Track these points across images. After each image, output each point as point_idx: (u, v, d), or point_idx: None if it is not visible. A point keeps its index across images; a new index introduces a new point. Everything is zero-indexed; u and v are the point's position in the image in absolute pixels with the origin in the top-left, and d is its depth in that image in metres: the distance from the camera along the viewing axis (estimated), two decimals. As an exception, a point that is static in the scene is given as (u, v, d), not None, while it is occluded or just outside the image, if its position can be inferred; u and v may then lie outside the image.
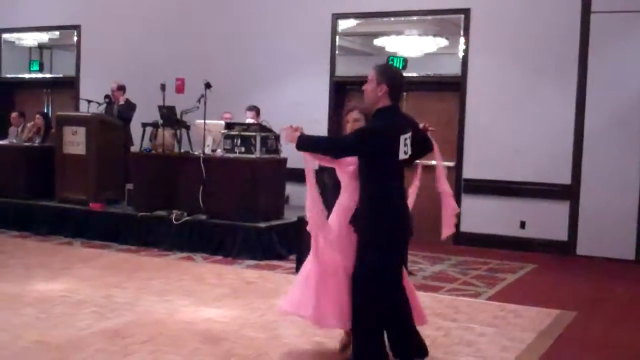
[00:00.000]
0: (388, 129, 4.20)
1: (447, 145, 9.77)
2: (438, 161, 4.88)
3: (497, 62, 9.44)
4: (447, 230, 4.96)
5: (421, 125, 4.59)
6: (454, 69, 9.70)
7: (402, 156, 4.22)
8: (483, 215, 9.46)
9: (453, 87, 9.72)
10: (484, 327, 5.59)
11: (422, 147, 4.56)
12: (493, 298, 6.69)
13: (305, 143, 4.33)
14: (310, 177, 4.43)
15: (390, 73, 4.29)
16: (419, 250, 8.74)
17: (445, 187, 4.89)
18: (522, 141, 9.25)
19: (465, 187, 9.58)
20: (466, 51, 9.57)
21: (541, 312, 6.12)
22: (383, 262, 4.25)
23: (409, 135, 4.26)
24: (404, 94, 10.10)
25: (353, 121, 4.57)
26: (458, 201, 9.52)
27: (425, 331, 5.36)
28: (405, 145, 4.22)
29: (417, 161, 4.73)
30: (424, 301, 6.28)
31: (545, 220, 9.16)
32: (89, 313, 5.68)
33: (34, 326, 5.27)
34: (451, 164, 9.72)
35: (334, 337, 5.11)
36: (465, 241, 9.42)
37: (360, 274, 4.31)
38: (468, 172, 9.57)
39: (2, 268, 7.34)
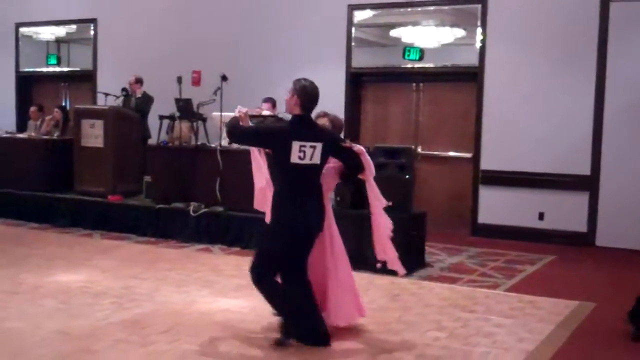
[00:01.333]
0: (281, 132, 4.78)
1: (464, 137, 9.77)
2: (368, 182, 5.04)
3: (514, 52, 9.37)
4: (383, 255, 5.18)
5: (347, 144, 4.94)
6: (471, 60, 9.63)
7: (294, 160, 4.60)
8: (501, 207, 9.41)
9: (470, 77, 9.66)
10: (502, 319, 5.57)
11: (350, 165, 4.95)
12: (511, 289, 6.66)
13: (228, 123, 4.98)
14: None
15: (302, 87, 4.74)
16: (436, 242, 8.71)
17: (376, 207, 5.05)
18: (541, 132, 9.18)
19: (482, 178, 9.53)
20: (483, 41, 9.50)
21: (560, 303, 6.08)
22: (267, 247, 4.86)
23: (310, 144, 4.62)
24: (417, 84, 10.14)
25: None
26: (475, 193, 9.53)
27: (444, 322, 5.38)
28: (302, 152, 4.59)
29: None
30: (441, 293, 6.33)
31: (564, 212, 9.08)
32: (108, 304, 5.72)
33: (53, 317, 5.32)
34: (468, 155, 9.69)
35: (352, 328, 5.12)
36: (483, 233, 9.39)
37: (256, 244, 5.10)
38: (485, 164, 9.52)
39: (23, 259, 7.41)
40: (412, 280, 6.85)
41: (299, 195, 4.70)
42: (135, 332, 4.98)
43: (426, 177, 9.74)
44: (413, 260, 7.37)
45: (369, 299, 6.06)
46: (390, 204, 5.17)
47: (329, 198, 5.18)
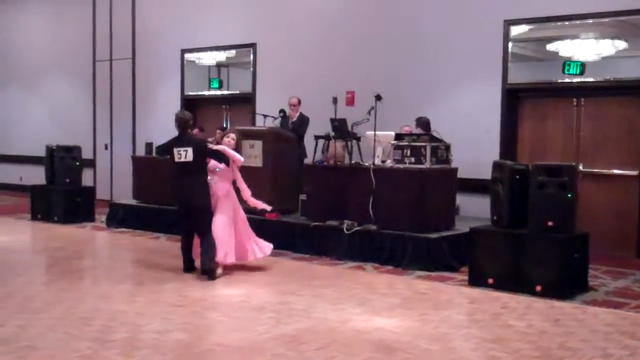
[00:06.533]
0: (169, 144, 7.71)
1: (629, 153, 9.26)
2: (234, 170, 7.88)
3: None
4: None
5: (210, 146, 7.86)
6: (636, 73, 9.13)
7: (177, 159, 7.55)
8: (671, 228, 8.81)
9: (635, 91, 9.15)
10: (675, 348, 5.21)
11: (220, 159, 7.70)
12: (685, 317, 6.21)
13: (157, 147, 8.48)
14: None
15: (176, 115, 7.90)
16: (600, 264, 8.29)
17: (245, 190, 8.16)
18: None
19: (650, 197, 8.97)
20: (650, 53, 8.98)
21: None
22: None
23: (183, 149, 7.51)
24: (578, 100, 9.73)
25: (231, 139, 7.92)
26: (643, 212, 8.98)
27: (610, 350, 5.11)
28: (179, 154, 7.53)
29: None
30: (606, 318, 6.02)
31: None
32: (267, 318, 5.90)
33: (215, 329, 5.56)
34: (634, 172, 9.16)
35: (510, 352, 4.98)
36: (651, 255, 8.82)
37: None
38: (654, 182, 8.96)
39: (187, 274, 7.78)
40: (575, 305, 6.55)
41: (182, 181, 7.55)
42: (293, 348, 5.09)
43: (589, 196, 9.28)
44: (575, 283, 7.05)
45: (527, 322, 5.86)
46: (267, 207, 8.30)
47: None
